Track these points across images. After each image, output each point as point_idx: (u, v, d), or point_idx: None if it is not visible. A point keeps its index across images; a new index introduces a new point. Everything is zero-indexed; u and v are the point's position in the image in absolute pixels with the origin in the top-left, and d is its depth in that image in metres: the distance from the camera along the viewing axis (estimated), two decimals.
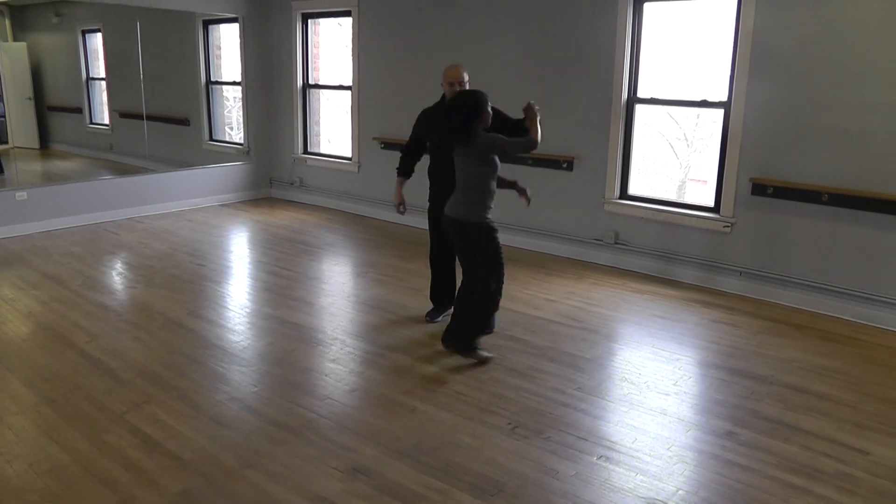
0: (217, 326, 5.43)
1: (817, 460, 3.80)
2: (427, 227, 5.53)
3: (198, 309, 5.79)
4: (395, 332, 5.38)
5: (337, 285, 6.55)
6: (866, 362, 5.08)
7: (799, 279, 6.18)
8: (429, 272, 5.73)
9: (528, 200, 4.97)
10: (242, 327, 5.43)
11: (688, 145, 10.03)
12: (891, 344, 5.44)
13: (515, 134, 4.81)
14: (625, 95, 6.99)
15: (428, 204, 5.36)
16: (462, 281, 4.85)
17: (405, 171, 5.36)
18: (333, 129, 10.58)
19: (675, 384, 4.64)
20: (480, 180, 4.58)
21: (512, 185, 4.95)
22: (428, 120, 5.21)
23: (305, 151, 10.32)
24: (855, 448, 3.94)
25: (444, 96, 5.10)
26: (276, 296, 6.14)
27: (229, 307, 5.87)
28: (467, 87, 4.96)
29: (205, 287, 6.36)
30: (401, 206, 5.46)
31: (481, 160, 4.54)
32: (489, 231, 4.62)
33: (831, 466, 3.75)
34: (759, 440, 3.98)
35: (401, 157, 5.35)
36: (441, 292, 5.56)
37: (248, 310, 5.81)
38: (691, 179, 10.06)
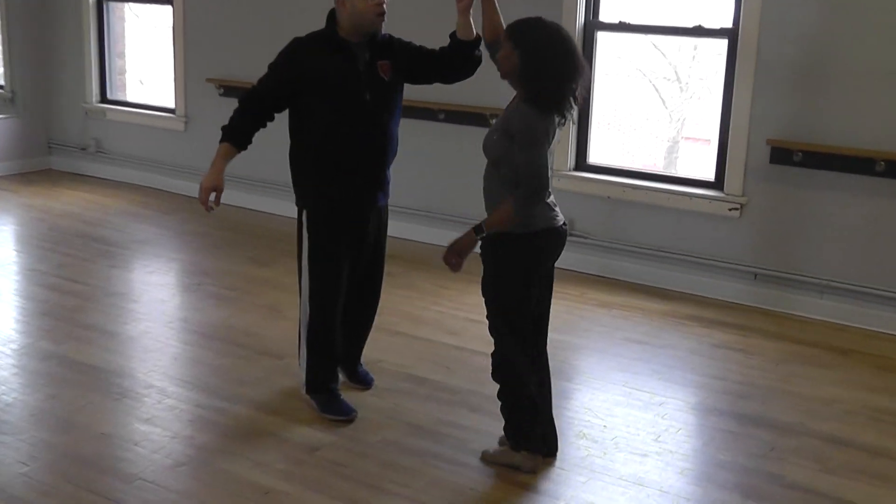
0: None
1: None
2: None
3: None
4: (243, 374, 5.39)
5: (154, 304, 6.51)
6: None
7: (841, 283, 6.44)
8: (294, 287, 5.46)
9: None
10: (5, 373, 5.34)
11: (681, 89, 10.27)
12: None
13: (431, 66, 4.85)
14: (580, 20, 7.15)
15: (324, 201, 4.81)
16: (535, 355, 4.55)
17: (241, 137, 4.72)
18: (147, 66, 10.45)
19: (656, 440, 4.77)
20: None
21: None
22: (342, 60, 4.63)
23: (104, 99, 10.19)
24: None
25: (332, 17, 4.67)
26: (59, 322, 6.07)
27: None
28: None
29: None
30: (212, 193, 4.70)
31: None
32: None
33: None
34: None
35: (239, 112, 4.73)
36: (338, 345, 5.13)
37: (14, 345, 5.73)
38: (686, 138, 10.30)
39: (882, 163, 6.15)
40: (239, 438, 4.66)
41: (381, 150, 4.75)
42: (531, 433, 4.41)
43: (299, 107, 4.71)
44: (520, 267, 4.31)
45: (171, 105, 9.65)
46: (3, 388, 5.13)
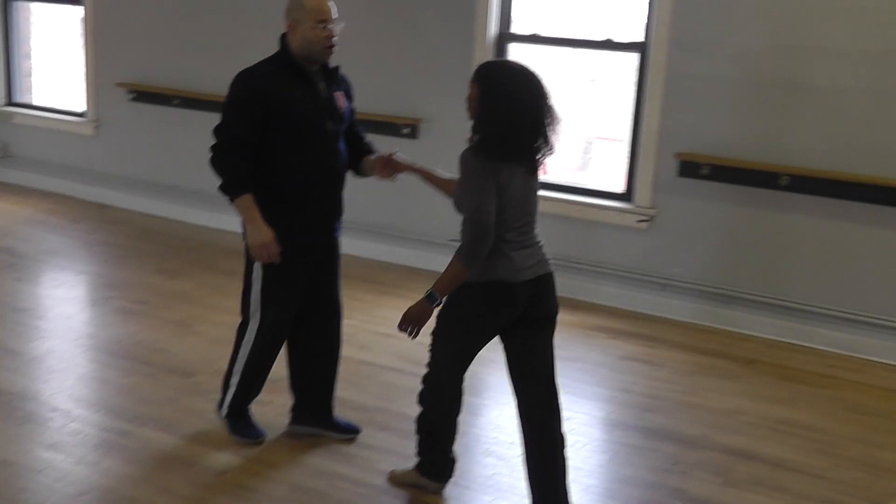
0: None
1: None
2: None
3: None
4: (150, 394, 5.37)
5: (60, 321, 6.46)
6: (841, 410, 5.52)
7: (748, 294, 6.63)
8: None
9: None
10: None
11: (595, 90, 10.39)
12: (876, 382, 5.94)
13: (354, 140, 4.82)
14: (493, 31, 7.25)
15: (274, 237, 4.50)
16: (536, 416, 4.36)
17: (249, 182, 4.44)
18: (56, 67, 10.33)
19: None
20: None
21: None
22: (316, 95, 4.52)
23: (10, 102, 10.10)
24: None
25: (284, 42, 4.50)
26: None
27: None
28: None
29: None
30: (274, 246, 4.47)
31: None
32: None
33: None
34: None
35: (229, 163, 4.42)
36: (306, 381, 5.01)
37: None
38: (601, 138, 10.43)
39: (786, 177, 6.32)
40: (145, 463, 4.64)
41: (340, 179, 4.65)
42: (437, 463, 4.44)
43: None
44: (464, 314, 4.15)
45: (81, 109, 9.56)
46: None
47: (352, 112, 4.74)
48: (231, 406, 4.88)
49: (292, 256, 4.55)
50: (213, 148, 4.43)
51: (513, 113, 3.96)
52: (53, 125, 9.74)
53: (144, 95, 8.91)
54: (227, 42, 8.29)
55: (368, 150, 4.80)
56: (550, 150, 4.09)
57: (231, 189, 4.42)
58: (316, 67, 4.54)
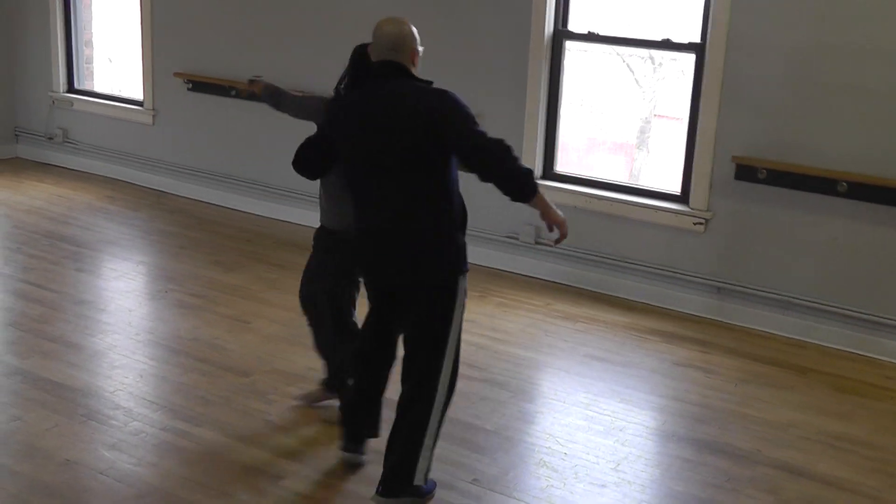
0: None
1: None
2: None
3: None
4: (207, 393, 5.41)
5: (121, 314, 6.53)
6: None
7: (804, 299, 6.56)
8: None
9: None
10: None
11: (654, 69, 10.34)
12: None
13: None
14: (549, 28, 7.22)
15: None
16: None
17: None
18: (114, 55, 10.40)
19: (615, 468, 4.86)
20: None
21: None
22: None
23: (71, 89, 10.18)
24: None
25: (404, 69, 4.34)
26: (24, 334, 6.06)
27: None
28: None
29: None
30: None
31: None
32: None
33: None
34: None
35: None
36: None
37: None
38: (658, 116, 10.37)
39: (844, 183, 6.25)
40: (202, 465, 4.68)
41: None
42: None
43: (436, 155, 4.23)
44: None
45: (139, 98, 9.63)
46: None
47: None
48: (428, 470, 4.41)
49: None
50: (504, 149, 4.10)
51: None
52: (112, 113, 9.82)
53: (201, 85, 8.96)
54: (283, 33, 8.32)
55: None
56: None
57: (534, 183, 4.17)
58: None
